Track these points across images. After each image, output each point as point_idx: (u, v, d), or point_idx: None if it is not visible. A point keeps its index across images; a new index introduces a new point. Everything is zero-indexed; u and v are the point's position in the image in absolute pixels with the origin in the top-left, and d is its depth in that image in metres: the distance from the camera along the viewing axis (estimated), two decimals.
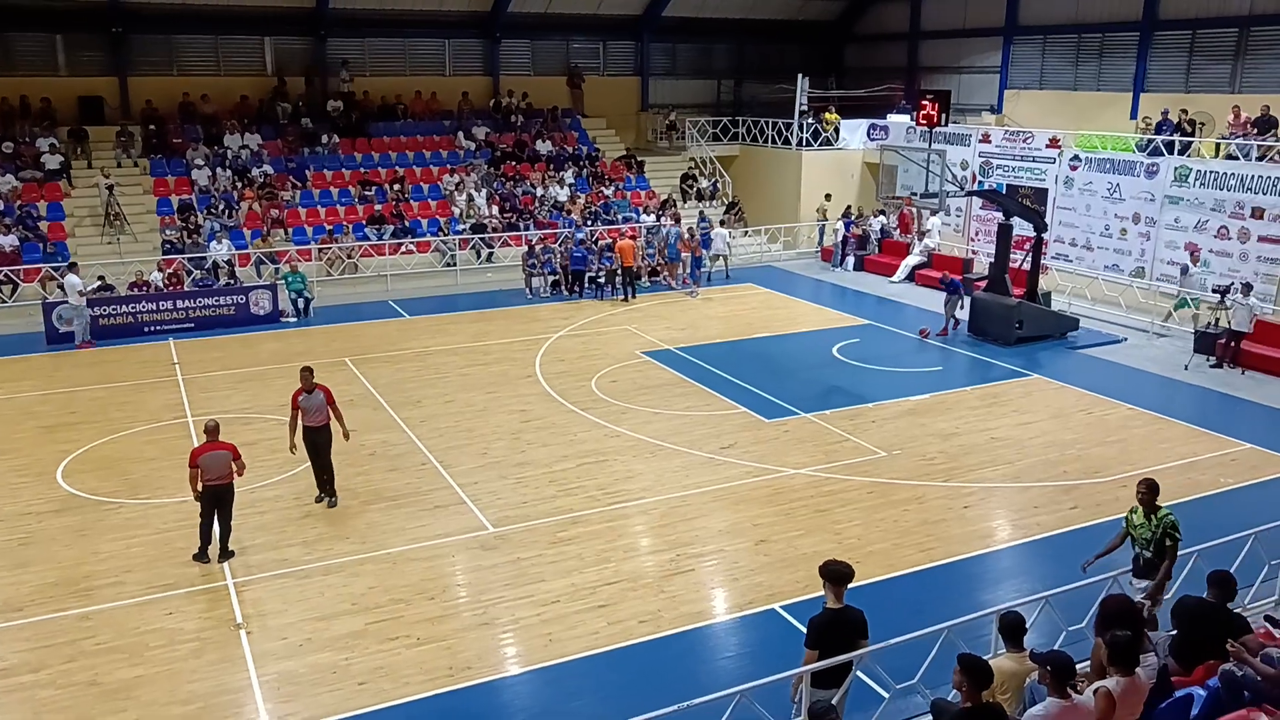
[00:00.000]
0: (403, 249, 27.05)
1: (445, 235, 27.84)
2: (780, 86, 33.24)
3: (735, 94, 37.89)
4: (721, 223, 30.71)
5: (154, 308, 22.19)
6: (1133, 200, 24.48)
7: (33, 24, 27.65)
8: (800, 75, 32.02)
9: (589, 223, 28.85)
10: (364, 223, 27.74)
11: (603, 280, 25.76)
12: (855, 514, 13.07)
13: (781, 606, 10.77)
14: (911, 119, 29.42)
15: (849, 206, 30.42)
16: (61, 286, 22.51)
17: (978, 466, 14.66)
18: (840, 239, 29.30)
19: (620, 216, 29.87)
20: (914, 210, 28.28)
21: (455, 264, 27.18)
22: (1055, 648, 7.65)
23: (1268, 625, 8.37)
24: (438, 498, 13.56)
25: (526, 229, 28.29)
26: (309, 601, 10.92)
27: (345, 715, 9.04)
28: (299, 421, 12.99)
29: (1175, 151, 23.99)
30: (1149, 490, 9.28)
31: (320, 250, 26.17)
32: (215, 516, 11.67)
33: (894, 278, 27.49)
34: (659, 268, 27.09)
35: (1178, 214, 23.48)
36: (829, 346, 21.01)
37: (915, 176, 23.54)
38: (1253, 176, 21.97)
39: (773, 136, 32.85)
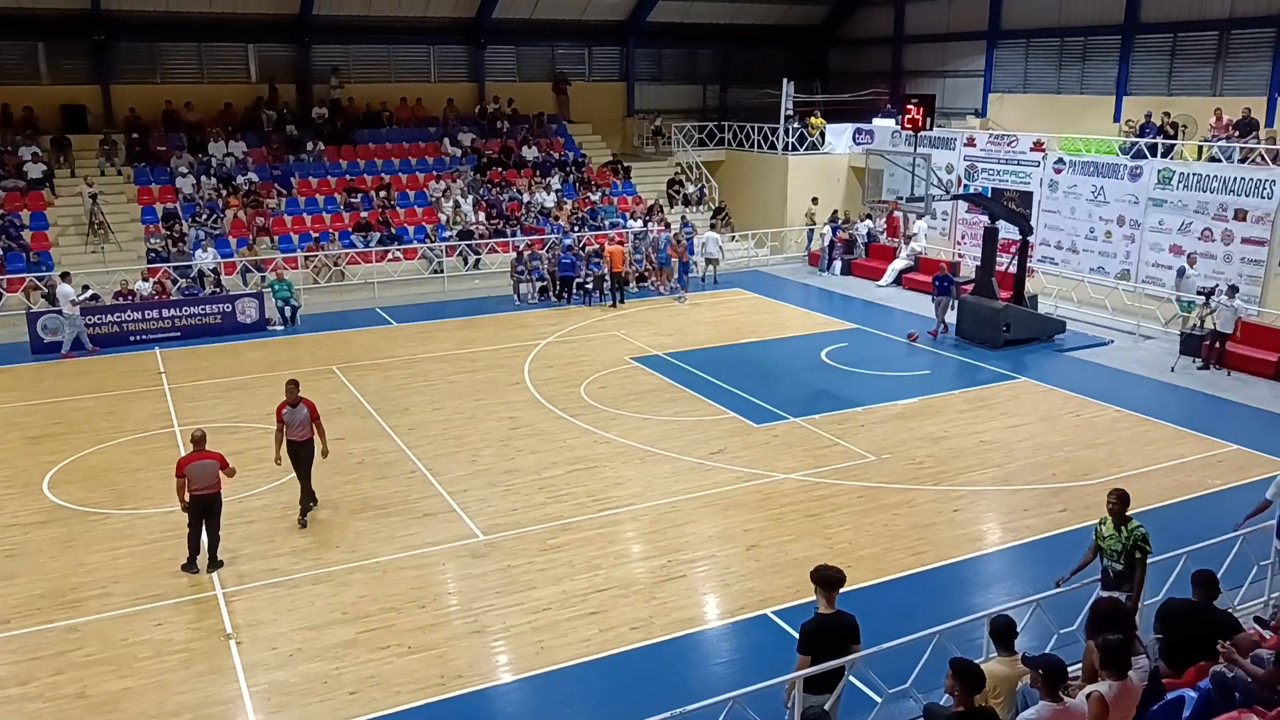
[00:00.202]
0: (389, 256, 26.97)
1: (432, 242, 27.79)
2: (765, 91, 33.31)
3: (721, 99, 37.96)
4: (712, 226, 30.75)
5: (139, 317, 22.07)
6: (1117, 203, 24.63)
7: (14, 32, 27.43)
8: (785, 80, 32.13)
9: (576, 228, 28.84)
10: (350, 230, 27.64)
11: (590, 286, 25.75)
12: (845, 518, 13.09)
13: (773, 612, 10.77)
14: (896, 123, 29.55)
15: (836, 211, 30.53)
16: (46, 296, 22.41)
17: (967, 470, 14.70)
18: (827, 243, 29.37)
19: (607, 222, 29.88)
20: (901, 214, 28.38)
21: (442, 271, 27.11)
22: (1047, 651, 7.66)
23: (1257, 627, 8.42)
24: (427, 506, 13.52)
25: (513, 235, 28.27)
26: (299, 611, 10.87)
27: None
28: (284, 435, 12.94)
29: (1158, 154, 24.15)
30: (1119, 501, 9.13)
31: (306, 258, 26.09)
32: (203, 526, 11.60)
33: (881, 281, 27.58)
34: (648, 273, 27.11)
35: (1162, 216, 23.64)
36: (817, 351, 21.05)
37: (901, 180, 23.65)
38: (1235, 179, 22.14)
39: (758, 141, 32.94)
